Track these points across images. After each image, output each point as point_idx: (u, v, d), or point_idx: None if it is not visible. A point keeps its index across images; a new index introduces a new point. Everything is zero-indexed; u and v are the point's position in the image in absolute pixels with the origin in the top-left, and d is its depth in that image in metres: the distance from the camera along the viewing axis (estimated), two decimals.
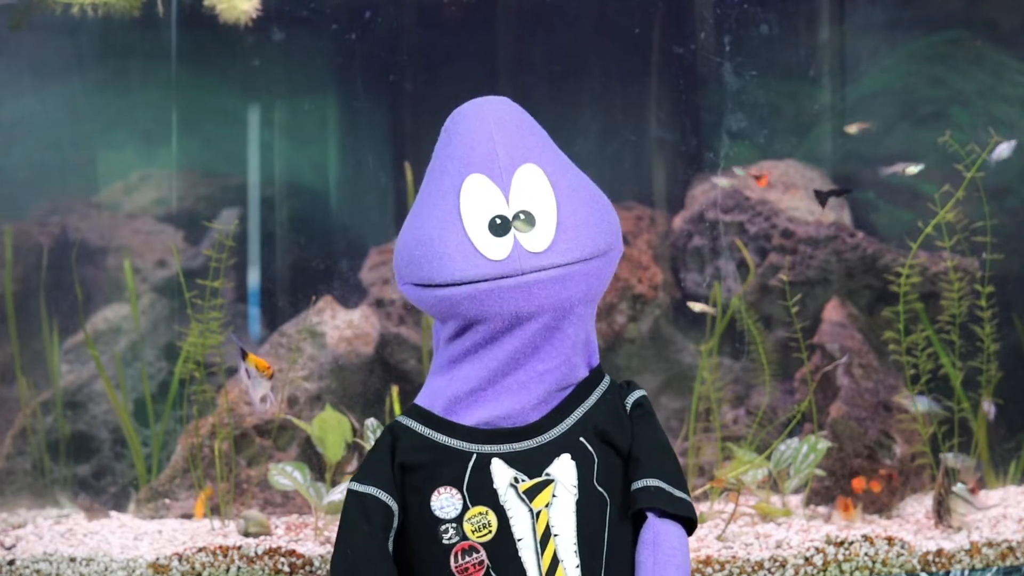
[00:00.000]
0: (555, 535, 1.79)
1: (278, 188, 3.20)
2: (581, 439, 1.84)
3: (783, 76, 3.19)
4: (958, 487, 2.56)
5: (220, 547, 2.36)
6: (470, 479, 1.81)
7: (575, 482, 1.82)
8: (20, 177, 3.20)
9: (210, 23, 2.83)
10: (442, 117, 1.92)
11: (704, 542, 2.45)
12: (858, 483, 2.71)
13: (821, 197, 2.71)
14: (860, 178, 3.26)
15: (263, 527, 2.51)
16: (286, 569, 2.33)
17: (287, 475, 2.53)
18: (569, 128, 3.21)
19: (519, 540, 1.79)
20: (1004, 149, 2.65)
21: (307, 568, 2.33)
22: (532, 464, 1.81)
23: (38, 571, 2.41)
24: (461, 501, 1.81)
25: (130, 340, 3.13)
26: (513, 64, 3.22)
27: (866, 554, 2.38)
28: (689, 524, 1.85)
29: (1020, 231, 3.08)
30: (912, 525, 2.61)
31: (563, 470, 1.82)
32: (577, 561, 1.79)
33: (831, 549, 2.37)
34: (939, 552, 2.42)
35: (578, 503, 1.81)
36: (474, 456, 1.82)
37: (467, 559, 1.79)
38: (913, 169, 2.68)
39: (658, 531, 1.82)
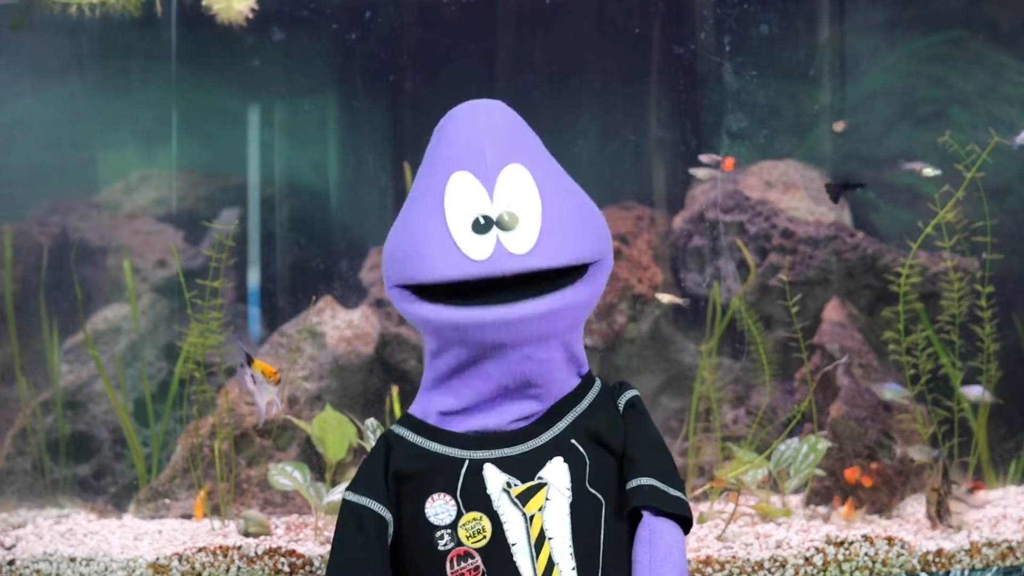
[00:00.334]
0: (550, 538, 1.79)
1: (278, 188, 3.20)
2: (573, 442, 1.84)
3: (783, 76, 3.18)
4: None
5: (220, 547, 2.36)
6: (463, 485, 1.81)
7: (568, 485, 1.82)
8: (20, 177, 3.20)
9: (210, 23, 2.84)
10: (442, 117, 1.92)
11: (704, 542, 2.44)
12: (851, 473, 2.70)
13: (833, 191, 2.69)
14: (860, 178, 3.25)
15: (263, 527, 2.51)
16: (286, 569, 2.33)
17: (287, 475, 2.53)
18: (569, 128, 3.21)
19: (513, 545, 1.79)
20: None
21: (307, 568, 2.33)
22: (524, 468, 1.82)
23: (38, 571, 2.41)
24: (455, 507, 1.81)
25: (130, 340, 3.13)
26: (513, 64, 3.22)
27: (866, 554, 2.38)
28: (685, 522, 1.85)
29: (1020, 231, 3.07)
30: (912, 525, 2.61)
31: (556, 473, 1.82)
32: (573, 563, 1.78)
33: (831, 549, 2.37)
34: (939, 552, 2.42)
35: (572, 506, 1.81)
36: (467, 462, 1.82)
37: (462, 565, 1.79)
38: (930, 172, 2.67)
39: (654, 529, 1.82)
